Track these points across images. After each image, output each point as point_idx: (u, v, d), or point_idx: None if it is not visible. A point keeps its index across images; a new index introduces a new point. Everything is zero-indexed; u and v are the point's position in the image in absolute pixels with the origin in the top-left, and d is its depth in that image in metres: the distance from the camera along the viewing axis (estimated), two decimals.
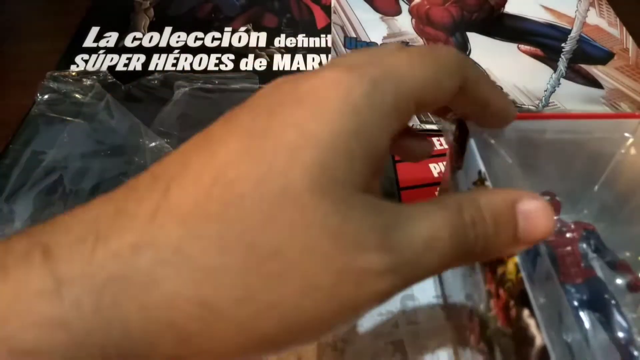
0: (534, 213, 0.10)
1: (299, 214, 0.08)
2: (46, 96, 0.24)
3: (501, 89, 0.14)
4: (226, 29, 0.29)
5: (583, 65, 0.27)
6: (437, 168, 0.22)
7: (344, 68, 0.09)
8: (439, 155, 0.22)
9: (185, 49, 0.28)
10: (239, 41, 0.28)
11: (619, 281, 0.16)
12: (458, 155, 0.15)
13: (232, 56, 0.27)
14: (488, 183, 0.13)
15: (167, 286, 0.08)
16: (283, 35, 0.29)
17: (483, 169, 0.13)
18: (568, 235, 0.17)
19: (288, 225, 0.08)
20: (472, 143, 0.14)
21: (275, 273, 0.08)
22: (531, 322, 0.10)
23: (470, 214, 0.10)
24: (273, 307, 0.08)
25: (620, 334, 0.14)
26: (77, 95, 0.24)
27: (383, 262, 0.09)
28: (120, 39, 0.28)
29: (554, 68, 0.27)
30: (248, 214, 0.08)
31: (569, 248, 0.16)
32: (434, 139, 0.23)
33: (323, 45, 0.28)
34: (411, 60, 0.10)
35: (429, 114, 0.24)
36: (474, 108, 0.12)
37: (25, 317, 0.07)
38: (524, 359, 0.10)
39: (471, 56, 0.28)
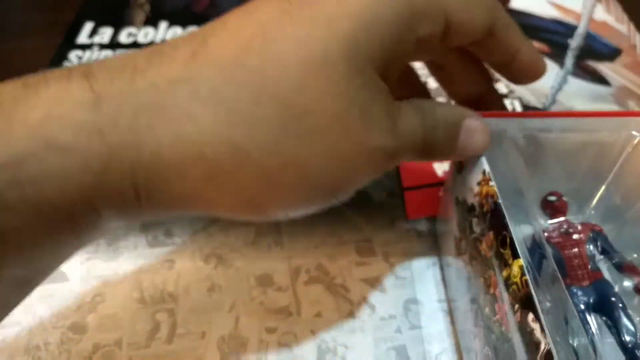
0: (475, 130, 0.12)
1: (335, 83, 0.09)
2: None
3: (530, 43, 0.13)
4: None
5: (590, 62, 0.27)
6: (441, 167, 0.21)
7: None
8: None
9: None
10: None
11: (626, 283, 0.16)
12: None
13: None
14: (492, 183, 0.12)
15: (202, 122, 0.08)
16: None
17: (487, 168, 0.13)
18: (575, 236, 0.16)
19: (323, 92, 0.09)
20: None
21: (305, 132, 0.09)
22: (536, 327, 0.10)
23: (431, 119, 0.12)
24: (298, 163, 0.09)
25: (628, 337, 0.14)
26: None
27: (391, 146, 0.10)
28: (115, 34, 0.27)
29: (561, 65, 0.27)
30: (286, 74, 0.09)
31: (575, 250, 0.16)
32: None
33: None
34: None
35: None
36: (502, 58, 0.12)
37: (64, 120, 0.08)
38: None
39: None
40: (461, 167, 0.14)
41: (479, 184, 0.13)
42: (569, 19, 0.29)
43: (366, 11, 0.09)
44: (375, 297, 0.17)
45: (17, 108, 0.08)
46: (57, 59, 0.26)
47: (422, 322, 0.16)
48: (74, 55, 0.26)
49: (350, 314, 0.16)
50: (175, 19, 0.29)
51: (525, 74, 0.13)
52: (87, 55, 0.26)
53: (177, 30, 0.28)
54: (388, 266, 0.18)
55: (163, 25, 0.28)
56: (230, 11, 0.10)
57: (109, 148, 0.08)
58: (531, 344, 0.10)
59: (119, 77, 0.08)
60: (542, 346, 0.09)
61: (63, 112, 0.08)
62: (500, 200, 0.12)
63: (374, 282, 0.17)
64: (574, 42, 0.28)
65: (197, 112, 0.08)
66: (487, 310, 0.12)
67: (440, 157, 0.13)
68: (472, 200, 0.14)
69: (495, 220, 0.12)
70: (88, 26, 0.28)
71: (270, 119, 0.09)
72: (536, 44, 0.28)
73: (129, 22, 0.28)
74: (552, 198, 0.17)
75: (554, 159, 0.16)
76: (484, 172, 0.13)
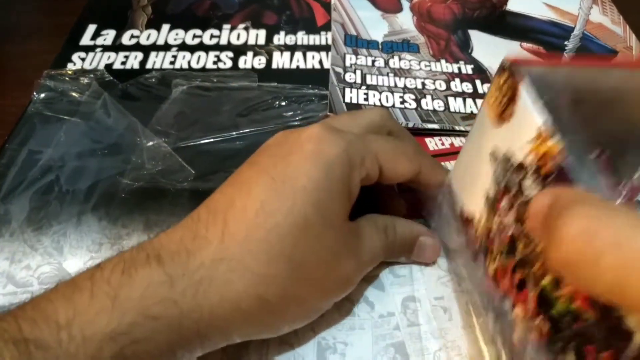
0: (426, 247, 0.17)
1: (314, 239, 0.13)
2: (43, 95, 0.24)
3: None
4: (224, 26, 0.29)
5: None
6: None
7: (333, 130, 0.14)
8: (438, 155, 0.22)
9: (183, 46, 0.27)
10: (238, 39, 0.28)
11: None
12: (504, 107, 0.12)
13: (230, 54, 0.27)
14: (554, 143, 0.10)
15: (237, 287, 0.12)
16: (282, 33, 0.29)
17: (546, 120, 0.11)
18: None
19: (309, 246, 0.13)
20: (525, 93, 0.11)
21: (302, 277, 0.13)
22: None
23: (392, 235, 0.16)
24: (298, 299, 0.14)
25: None
26: (74, 94, 0.24)
27: (356, 271, 0.15)
28: (118, 36, 0.28)
29: None
30: (283, 237, 0.13)
31: None
32: (435, 139, 0.23)
33: (323, 42, 0.28)
34: (381, 138, 0.16)
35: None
36: (431, 189, 0.17)
37: (153, 297, 0.12)
38: (614, 354, 0.08)
39: (473, 54, 0.28)
40: (502, 120, 0.13)
41: (532, 141, 0.11)
42: (565, 21, 0.30)
43: (324, 177, 0.13)
44: (374, 295, 0.17)
45: (121, 290, 0.12)
46: (60, 61, 0.26)
47: (420, 320, 0.16)
48: (77, 57, 0.27)
49: (350, 312, 0.17)
50: (177, 22, 0.29)
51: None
52: (89, 56, 0.27)
53: (179, 33, 0.28)
54: (386, 265, 0.18)
55: (165, 27, 0.29)
56: (232, 183, 0.14)
57: (182, 313, 0.12)
58: (620, 332, 0.08)
59: (179, 261, 0.12)
60: (638, 339, 0.08)
61: (152, 292, 0.12)
62: (567, 163, 0.10)
63: (373, 281, 0.17)
64: (570, 44, 0.28)
65: (233, 280, 0.12)
66: (546, 281, 0.11)
67: (397, 260, 0.18)
68: (523, 158, 0.12)
69: (559, 184, 0.10)
70: (91, 28, 0.28)
71: (279, 274, 0.13)
72: (532, 46, 0.28)
73: (131, 25, 0.29)
74: (601, 156, 0.15)
75: (609, 113, 0.13)
76: (539, 129, 0.11)
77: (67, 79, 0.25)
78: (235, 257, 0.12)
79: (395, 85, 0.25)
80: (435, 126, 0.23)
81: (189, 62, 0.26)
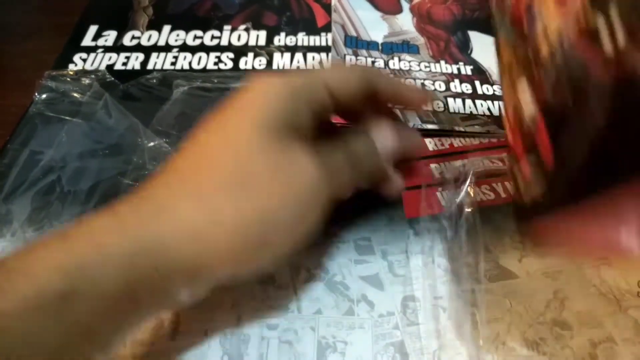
0: (393, 181, 0.17)
1: (264, 151, 0.13)
2: (44, 95, 0.24)
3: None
4: (225, 27, 0.29)
5: None
6: (438, 169, 0.22)
7: (273, 75, 0.14)
8: (438, 156, 0.22)
9: (184, 47, 0.27)
10: (239, 40, 0.28)
11: None
12: None
13: (231, 55, 0.27)
14: None
15: (188, 212, 0.12)
16: (283, 34, 0.29)
17: None
18: None
19: (258, 163, 0.13)
20: None
21: (252, 194, 0.13)
22: None
23: (356, 154, 0.16)
24: (259, 216, 0.13)
25: None
26: (75, 95, 0.24)
27: (322, 178, 0.14)
28: (119, 37, 0.28)
29: None
30: (230, 162, 0.13)
31: None
32: (435, 139, 0.23)
33: (323, 43, 0.28)
34: (325, 68, 0.16)
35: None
36: (396, 102, 0.17)
37: (102, 230, 0.12)
38: None
39: (473, 55, 0.28)
40: None
41: None
42: None
43: (266, 107, 0.14)
44: (373, 294, 0.17)
45: (71, 230, 0.12)
46: (62, 62, 0.26)
47: (420, 319, 0.17)
48: (78, 57, 0.27)
49: (350, 311, 0.17)
50: (178, 23, 0.29)
51: (415, 105, 0.19)
52: (91, 57, 0.27)
53: (180, 34, 0.28)
54: (386, 264, 0.18)
55: (166, 28, 0.29)
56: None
57: (134, 243, 0.12)
58: None
59: (129, 205, 0.13)
60: None
61: (101, 225, 0.12)
62: None
63: (372, 280, 0.18)
64: None
65: (183, 207, 0.12)
66: None
67: (374, 180, 0.17)
68: None
69: None
70: (92, 29, 0.28)
71: (230, 196, 0.12)
72: None
73: (132, 26, 0.29)
74: None
75: None
76: None
77: (68, 79, 0.25)
78: (185, 187, 0.13)
79: None
80: (435, 127, 0.23)
81: (189, 63, 0.26)
